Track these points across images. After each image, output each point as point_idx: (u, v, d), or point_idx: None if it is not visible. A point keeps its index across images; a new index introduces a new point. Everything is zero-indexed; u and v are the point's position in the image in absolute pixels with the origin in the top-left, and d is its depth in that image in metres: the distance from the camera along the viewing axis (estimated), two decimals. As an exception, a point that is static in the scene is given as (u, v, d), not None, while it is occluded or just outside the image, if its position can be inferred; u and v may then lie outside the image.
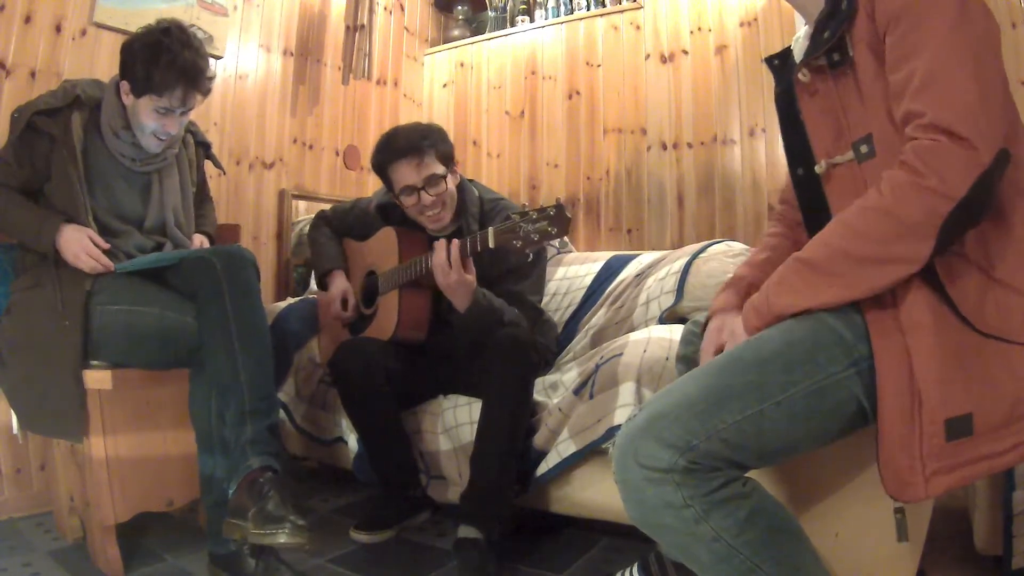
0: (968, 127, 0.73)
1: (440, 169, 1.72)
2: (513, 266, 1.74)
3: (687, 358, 1.12)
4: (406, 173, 1.72)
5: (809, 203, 0.98)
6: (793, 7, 1.02)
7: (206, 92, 1.55)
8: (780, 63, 1.02)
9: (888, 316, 0.80)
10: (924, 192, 0.75)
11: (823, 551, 0.90)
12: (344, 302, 1.93)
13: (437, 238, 1.75)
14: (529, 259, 1.68)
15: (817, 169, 0.92)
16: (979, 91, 0.75)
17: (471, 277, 1.56)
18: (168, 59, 1.44)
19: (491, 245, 1.46)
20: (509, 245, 1.42)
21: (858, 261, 0.80)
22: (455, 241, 1.54)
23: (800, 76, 0.91)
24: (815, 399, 0.82)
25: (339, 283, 1.95)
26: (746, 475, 0.85)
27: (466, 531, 1.51)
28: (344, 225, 2.05)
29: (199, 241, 1.74)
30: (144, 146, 1.55)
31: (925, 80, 0.76)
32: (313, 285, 2.44)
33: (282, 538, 1.18)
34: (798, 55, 0.98)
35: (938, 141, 0.75)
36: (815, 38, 0.90)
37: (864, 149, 0.85)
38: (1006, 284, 0.78)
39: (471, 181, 1.89)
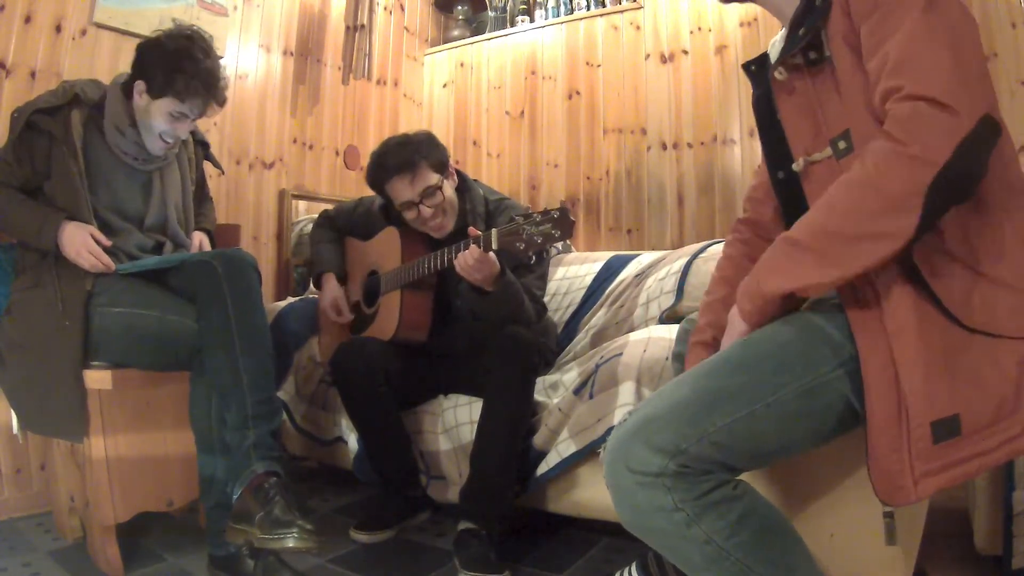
0: (946, 93, 0.72)
1: (434, 179, 1.71)
2: (517, 264, 1.74)
3: (683, 356, 1.12)
4: (401, 190, 1.72)
5: (790, 206, 0.97)
6: (768, 11, 1.02)
7: (222, 102, 1.57)
8: (757, 68, 1.02)
9: (872, 318, 0.80)
10: (906, 160, 0.73)
11: (818, 552, 0.90)
12: (338, 310, 1.94)
13: (439, 240, 1.75)
14: (532, 260, 1.68)
15: (795, 167, 0.91)
16: (954, 61, 0.74)
17: (492, 257, 1.51)
18: (192, 66, 1.47)
19: (494, 247, 1.45)
20: (512, 248, 1.41)
21: (844, 239, 0.78)
22: (473, 248, 1.48)
23: (776, 75, 0.91)
24: (805, 400, 0.81)
25: (329, 288, 1.95)
26: (739, 477, 0.85)
27: (466, 525, 1.51)
28: (347, 224, 2.05)
29: (199, 239, 1.75)
30: (148, 147, 1.56)
31: (900, 59, 0.76)
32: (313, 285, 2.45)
33: (290, 542, 1.18)
34: (775, 57, 0.98)
35: (917, 107, 0.73)
36: (791, 36, 0.90)
37: (842, 145, 0.85)
38: (991, 278, 0.78)
39: (475, 181, 1.88)
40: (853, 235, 0.77)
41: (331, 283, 1.96)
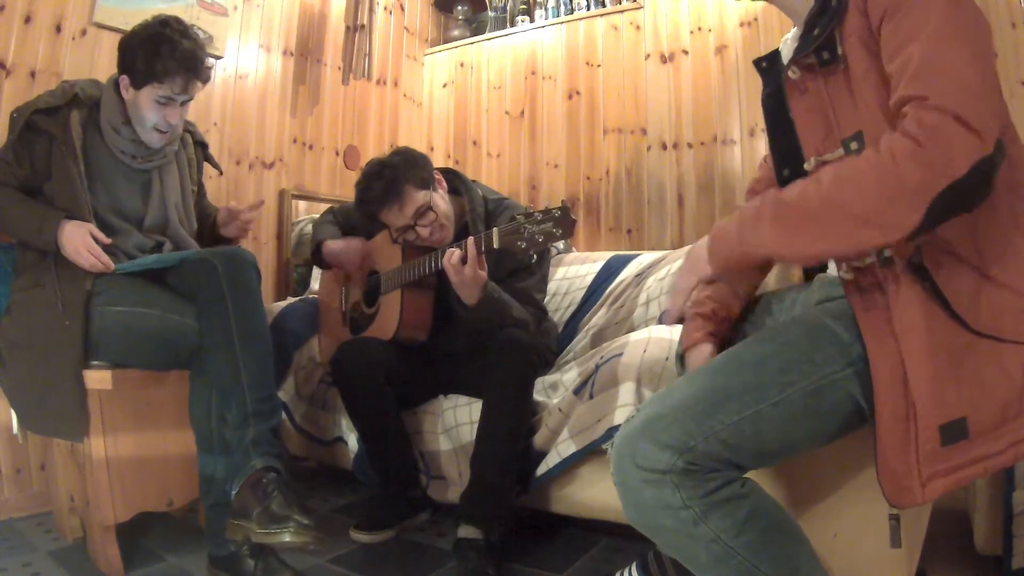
0: (972, 114, 0.72)
1: (421, 198, 1.69)
2: (518, 265, 1.74)
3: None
4: (393, 218, 1.72)
5: None
6: (780, 9, 1.02)
7: (206, 80, 1.57)
8: (768, 65, 1.02)
9: (881, 319, 0.80)
10: (926, 164, 0.72)
11: (822, 552, 0.91)
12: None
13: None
14: (533, 259, 1.67)
15: (806, 167, 0.91)
16: (979, 76, 0.74)
17: (484, 273, 1.54)
18: (169, 48, 1.46)
19: (495, 246, 1.45)
20: (513, 246, 1.41)
21: (844, 215, 0.76)
22: (470, 239, 1.52)
23: (790, 73, 0.91)
24: (813, 399, 0.82)
25: (331, 242, 1.94)
26: (744, 476, 0.85)
27: (466, 531, 1.51)
28: (349, 223, 2.05)
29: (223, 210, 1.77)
30: (145, 141, 1.56)
31: (923, 64, 0.75)
32: (314, 285, 2.45)
33: (287, 537, 1.18)
34: (787, 56, 0.98)
35: (944, 119, 0.72)
36: (805, 36, 0.90)
37: (854, 146, 0.84)
38: (999, 282, 0.78)
39: (474, 182, 1.88)
40: (854, 214, 0.75)
41: (330, 241, 1.95)
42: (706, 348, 1.04)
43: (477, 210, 1.78)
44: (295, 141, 2.80)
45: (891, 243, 0.75)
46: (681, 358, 1.15)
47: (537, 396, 1.64)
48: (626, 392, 1.44)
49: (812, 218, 0.79)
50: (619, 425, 1.42)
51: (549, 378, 1.77)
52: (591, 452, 1.47)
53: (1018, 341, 0.77)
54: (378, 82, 3.16)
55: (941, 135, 0.72)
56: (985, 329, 0.77)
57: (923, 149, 0.73)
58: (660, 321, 1.17)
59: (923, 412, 0.76)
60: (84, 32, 2.05)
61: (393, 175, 1.68)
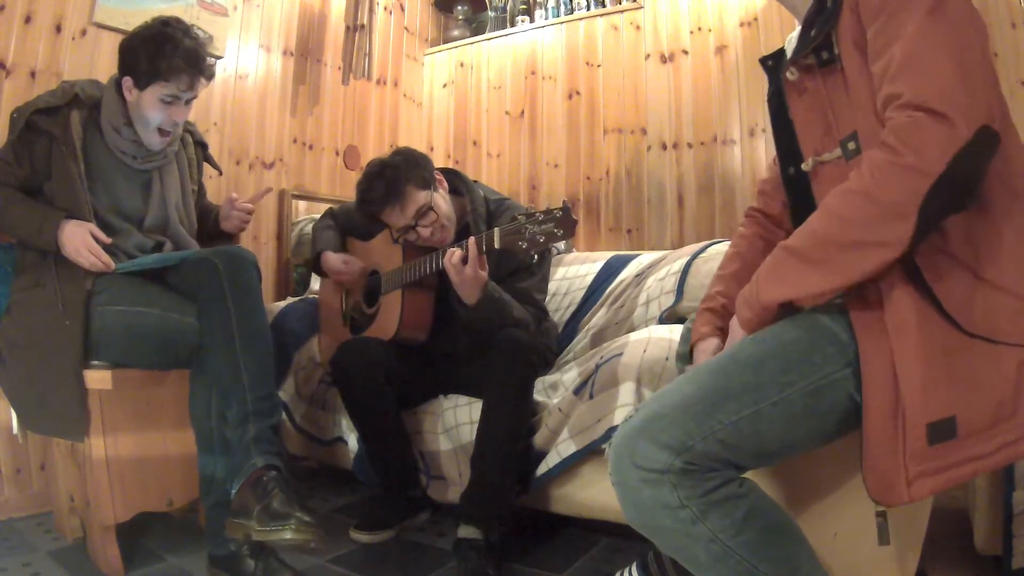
0: (943, 101, 0.72)
1: (423, 198, 1.69)
2: (519, 265, 1.74)
3: (686, 356, 1.12)
4: (394, 218, 1.72)
5: (798, 203, 0.98)
6: (784, 7, 1.02)
7: (210, 76, 1.57)
8: (774, 64, 1.02)
9: (874, 317, 0.80)
10: (902, 170, 0.74)
11: (821, 551, 0.90)
12: (348, 262, 1.93)
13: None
14: (534, 259, 1.67)
15: (804, 166, 0.92)
16: (956, 68, 0.74)
17: (484, 273, 1.54)
18: (172, 46, 1.47)
19: (496, 246, 1.45)
20: (514, 247, 1.41)
21: (841, 246, 0.79)
22: (472, 239, 1.52)
23: (788, 75, 0.91)
24: (812, 399, 0.81)
25: (331, 256, 1.94)
26: (743, 476, 0.85)
27: (466, 531, 1.51)
28: (349, 223, 2.05)
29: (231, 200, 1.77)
30: (147, 143, 1.56)
31: (902, 64, 0.76)
32: (314, 285, 2.45)
33: (288, 535, 1.18)
34: (790, 54, 0.98)
35: (914, 117, 0.73)
36: (803, 36, 0.91)
37: (851, 146, 0.85)
38: (993, 284, 0.77)
39: (475, 182, 1.88)
40: (850, 243, 0.78)
41: (330, 254, 1.95)
42: (714, 342, 1.05)
43: (479, 210, 1.77)
44: (295, 141, 2.80)
45: (895, 258, 0.76)
46: (681, 357, 1.15)
47: (537, 396, 1.64)
48: (626, 392, 1.44)
49: (815, 259, 0.81)
50: (619, 425, 1.42)
51: (549, 378, 1.77)
52: (591, 452, 1.47)
53: (1014, 343, 0.76)
54: (378, 82, 3.16)
55: (913, 134, 0.73)
56: (979, 331, 0.76)
57: (898, 155, 0.74)
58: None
59: (912, 410, 0.75)
60: (84, 32, 2.05)
61: (395, 175, 1.68)
